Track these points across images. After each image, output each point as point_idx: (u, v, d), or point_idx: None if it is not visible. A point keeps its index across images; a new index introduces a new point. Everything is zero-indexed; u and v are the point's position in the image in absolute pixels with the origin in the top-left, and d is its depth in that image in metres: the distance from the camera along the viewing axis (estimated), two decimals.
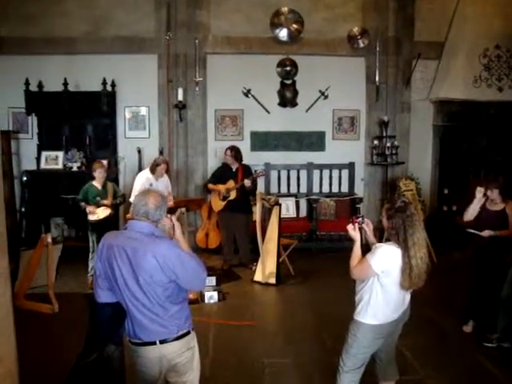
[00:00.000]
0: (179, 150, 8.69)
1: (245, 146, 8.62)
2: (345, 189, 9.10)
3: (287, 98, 8.85)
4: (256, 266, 7.04)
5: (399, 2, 8.67)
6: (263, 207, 6.97)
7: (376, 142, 8.82)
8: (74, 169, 8.24)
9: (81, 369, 2.45)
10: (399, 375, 3.57)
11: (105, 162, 8.37)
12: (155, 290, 2.74)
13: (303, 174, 9.02)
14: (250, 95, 8.81)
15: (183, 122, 8.61)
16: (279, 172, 8.96)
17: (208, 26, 8.62)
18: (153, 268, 2.71)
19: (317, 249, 8.51)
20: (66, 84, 8.16)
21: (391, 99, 8.91)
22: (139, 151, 8.45)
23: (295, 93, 8.86)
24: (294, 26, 8.52)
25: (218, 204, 7.41)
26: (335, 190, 9.07)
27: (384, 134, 8.78)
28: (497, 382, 4.20)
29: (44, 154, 8.39)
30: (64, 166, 8.33)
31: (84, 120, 8.53)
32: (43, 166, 8.36)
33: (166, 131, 8.65)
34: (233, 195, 7.23)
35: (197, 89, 8.58)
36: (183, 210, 6.64)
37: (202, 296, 6.07)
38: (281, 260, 7.05)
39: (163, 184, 7.09)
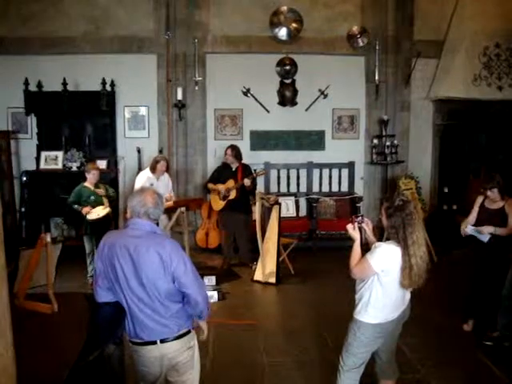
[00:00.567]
0: (179, 150, 8.69)
1: (244, 145, 8.62)
2: (344, 188, 9.10)
3: (287, 97, 8.85)
4: (256, 265, 7.03)
5: (398, 0, 8.66)
6: (263, 206, 6.97)
7: (376, 140, 8.82)
8: (74, 169, 8.25)
9: (81, 368, 2.45)
10: (399, 374, 3.57)
11: (104, 161, 8.43)
12: (156, 288, 2.75)
13: (303, 173, 9.01)
14: (249, 94, 8.81)
15: (182, 122, 8.61)
16: (279, 171, 8.96)
17: (207, 26, 8.61)
18: (155, 265, 2.71)
19: (317, 248, 8.50)
20: (65, 84, 8.15)
21: (391, 98, 8.90)
22: (139, 151, 8.45)
23: (295, 92, 8.85)
24: (294, 25, 8.51)
25: (217, 203, 7.39)
26: (335, 189, 9.07)
27: (384, 133, 8.78)
28: (497, 380, 4.19)
29: (43, 154, 8.39)
30: (63, 165, 8.33)
31: (83, 120, 8.52)
32: (43, 166, 8.35)
33: (166, 131, 8.66)
34: (233, 195, 7.22)
35: (196, 88, 8.58)
36: (183, 209, 6.65)
37: None
38: (281, 259, 7.05)
39: (164, 183, 7.09)
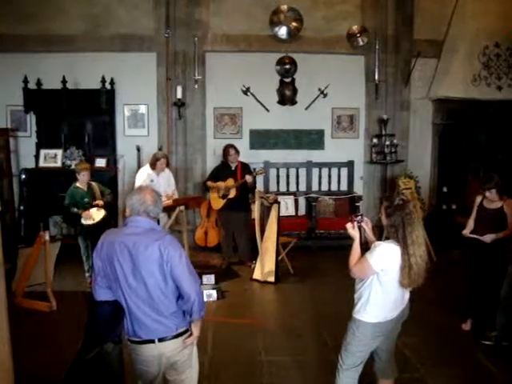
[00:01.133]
0: (178, 148, 8.68)
1: (244, 144, 8.63)
2: (344, 187, 9.11)
3: (286, 96, 8.84)
4: (255, 264, 7.03)
5: (398, 0, 8.66)
6: (262, 205, 6.97)
7: (375, 140, 8.83)
8: (73, 167, 8.20)
9: (79, 367, 2.44)
10: (398, 373, 3.57)
11: (103, 160, 8.41)
12: (155, 285, 2.75)
13: (302, 172, 9.02)
14: (249, 93, 8.80)
15: (182, 120, 8.60)
16: (278, 170, 8.96)
17: (207, 24, 8.61)
18: (154, 262, 2.72)
19: (316, 247, 8.50)
20: (64, 82, 8.14)
21: (390, 97, 8.90)
22: (138, 149, 8.44)
23: (294, 91, 8.85)
24: (294, 23, 8.51)
25: (217, 202, 7.39)
26: (334, 188, 9.08)
27: (383, 133, 8.78)
28: (495, 380, 4.20)
29: (43, 152, 8.37)
30: (63, 164, 8.32)
31: (83, 118, 8.50)
32: (42, 164, 8.34)
33: (165, 129, 8.65)
34: (232, 193, 7.21)
35: (196, 87, 8.57)
36: (182, 208, 6.64)
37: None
38: (280, 258, 7.04)
39: (165, 179, 7.07)
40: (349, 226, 3.24)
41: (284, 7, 8.50)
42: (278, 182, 8.97)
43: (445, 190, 9.00)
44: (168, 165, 7.21)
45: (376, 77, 8.74)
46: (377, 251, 3.05)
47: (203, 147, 8.84)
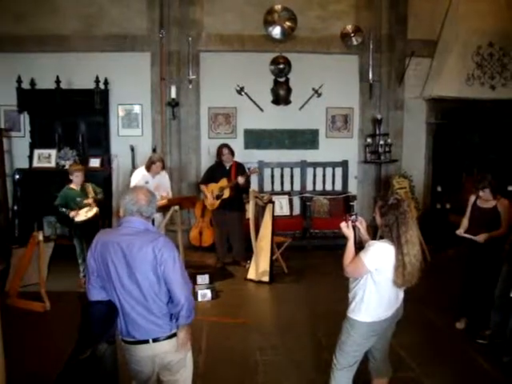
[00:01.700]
0: (172, 148, 8.67)
1: (238, 144, 8.63)
2: (338, 187, 9.12)
3: (280, 95, 8.85)
4: (249, 264, 7.03)
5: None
6: (256, 205, 6.96)
7: (369, 139, 8.83)
8: (67, 167, 8.16)
9: (73, 367, 2.43)
10: (393, 372, 3.58)
11: (97, 160, 8.39)
12: (149, 286, 2.75)
13: (297, 171, 9.02)
14: (243, 93, 8.80)
15: (176, 120, 8.60)
16: (273, 170, 8.96)
17: (201, 24, 8.61)
18: (148, 263, 2.71)
19: (310, 247, 8.50)
20: (58, 82, 8.12)
21: (384, 97, 8.93)
22: (132, 149, 8.42)
23: (288, 91, 8.86)
24: (287, 23, 8.52)
25: (211, 203, 7.38)
26: (329, 187, 9.09)
27: (377, 132, 8.79)
28: (489, 378, 4.20)
29: (36, 152, 8.34)
30: (57, 164, 8.29)
31: (77, 118, 8.48)
32: (36, 164, 8.30)
33: (159, 129, 8.64)
34: (226, 194, 7.20)
35: (190, 86, 8.57)
36: (176, 207, 6.63)
37: (195, 294, 6.06)
38: (274, 258, 7.04)
39: (160, 181, 7.04)
40: (343, 225, 3.24)
41: (278, 7, 8.50)
42: (272, 182, 8.97)
43: (439, 189, 9.03)
44: (163, 168, 7.18)
45: (370, 76, 8.76)
46: (371, 250, 3.05)
47: (197, 147, 8.83)
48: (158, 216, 6.66)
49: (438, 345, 4.84)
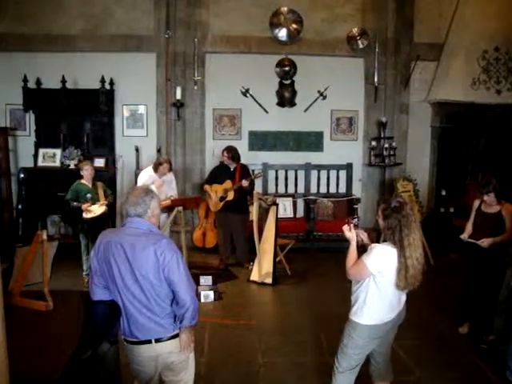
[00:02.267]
0: (177, 149, 8.68)
1: (243, 145, 8.63)
2: (342, 189, 9.11)
3: (286, 97, 8.85)
4: (252, 265, 7.03)
5: (398, 3, 8.68)
6: (260, 207, 6.96)
7: (374, 143, 8.82)
8: (72, 166, 8.21)
9: (75, 367, 2.44)
10: (394, 376, 3.57)
11: (102, 160, 8.41)
12: (152, 287, 2.75)
13: (301, 174, 9.02)
14: (248, 95, 8.80)
15: (181, 121, 8.61)
16: (277, 172, 8.96)
17: (207, 25, 8.62)
18: (151, 263, 2.72)
19: (314, 249, 8.50)
20: (64, 81, 8.15)
21: (390, 100, 8.92)
22: (137, 149, 8.45)
23: (294, 93, 8.86)
24: (294, 25, 8.51)
25: (215, 204, 7.38)
26: (333, 190, 9.08)
27: (382, 135, 8.78)
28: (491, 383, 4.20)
29: (41, 151, 8.37)
30: (61, 163, 8.32)
31: (82, 118, 8.51)
32: (40, 163, 8.33)
33: (164, 130, 8.65)
34: (230, 196, 7.20)
35: (195, 88, 8.58)
36: (180, 208, 6.64)
37: (198, 295, 6.06)
38: (277, 260, 7.04)
39: (167, 182, 7.05)
40: (345, 228, 3.23)
41: (284, 9, 8.51)
42: (276, 184, 8.97)
43: (443, 193, 8.98)
44: (171, 170, 7.18)
45: (375, 79, 8.76)
46: (373, 253, 3.05)
47: (202, 148, 8.84)
48: (163, 216, 6.67)
49: (441, 349, 4.82)
